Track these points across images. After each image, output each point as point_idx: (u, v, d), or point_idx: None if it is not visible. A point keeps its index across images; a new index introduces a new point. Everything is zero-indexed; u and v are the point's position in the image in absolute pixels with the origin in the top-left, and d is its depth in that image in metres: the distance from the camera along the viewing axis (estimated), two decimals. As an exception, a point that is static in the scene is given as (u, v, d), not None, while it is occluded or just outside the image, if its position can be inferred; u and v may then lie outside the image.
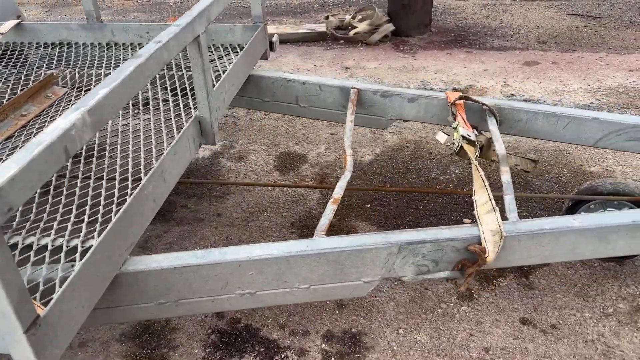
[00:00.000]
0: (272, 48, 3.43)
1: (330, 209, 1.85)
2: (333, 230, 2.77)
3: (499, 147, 2.15)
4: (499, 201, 1.83)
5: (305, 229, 2.81)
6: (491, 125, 2.31)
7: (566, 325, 2.19)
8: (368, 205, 2.97)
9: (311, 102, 2.83)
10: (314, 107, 2.84)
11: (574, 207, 2.42)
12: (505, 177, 1.96)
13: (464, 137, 2.18)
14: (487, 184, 1.86)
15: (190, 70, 2.69)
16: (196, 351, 2.15)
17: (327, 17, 5.84)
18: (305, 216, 2.90)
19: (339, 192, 1.95)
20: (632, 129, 2.26)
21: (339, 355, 2.11)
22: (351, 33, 5.42)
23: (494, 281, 2.42)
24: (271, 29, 5.61)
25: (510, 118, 2.44)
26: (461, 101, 2.44)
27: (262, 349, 2.15)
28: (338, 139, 3.67)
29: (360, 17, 5.55)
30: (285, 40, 5.50)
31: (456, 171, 3.21)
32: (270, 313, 2.31)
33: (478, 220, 1.72)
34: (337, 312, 2.30)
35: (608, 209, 2.33)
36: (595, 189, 2.35)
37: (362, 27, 5.38)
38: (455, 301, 2.33)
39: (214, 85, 2.43)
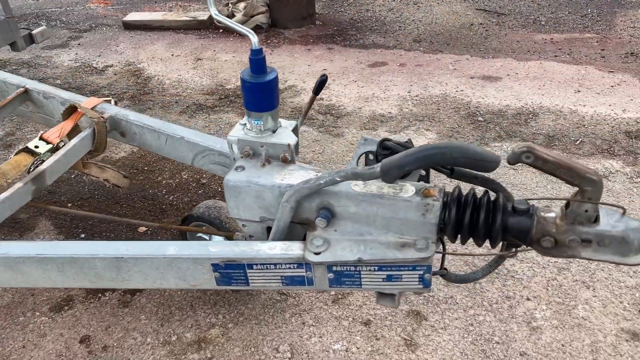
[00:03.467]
0: (33, 40, 3.48)
1: None
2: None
3: (49, 160, 2.09)
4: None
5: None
6: (77, 138, 2.25)
7: (118, 348, 2.14)
8: (70, 204, 2.98)
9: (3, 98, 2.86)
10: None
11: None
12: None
13: (27, 148, 2.15)
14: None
15: None
16: None
17: (227, 5, 5.77)
18: None
19: None
20: (211, 152, 2.13)
21: None
22: (230, 23, 5.32)
23: (99, 294, 2.39)
24: (158, 15, 5.64)
25: (129, 130, 2.37)
26: (84, 110, 2.39)
27: None
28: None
29: (242, 5, 5.44)
30: (168, 27, 5.50)
31: (185, 175, 3.14)
32: None
33: None
34: None
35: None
36: (193, 212, 2.24)
37: (238, 17, 5.27)
38: (45, 312, 2.32)
39: None
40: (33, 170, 2.10)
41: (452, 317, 2.16)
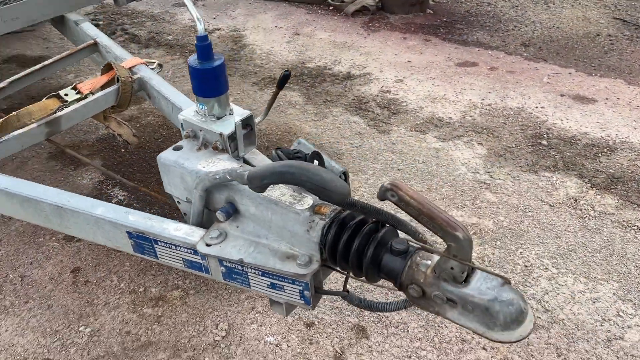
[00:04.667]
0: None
1: None
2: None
3: (69, 108, 2.34)
4: None
5: None
6: (101, 92, 2.48)
7: (96, 285, 2.39)
8: (123, 150, 3.32)
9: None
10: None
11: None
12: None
13: (57, 94, 2.44)
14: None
15: None
16: None
17: (344, -18, 5.76)
18: None
19: None
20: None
21: None
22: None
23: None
24: (279, -15, 5.81)
25: (152, 94, 2.56)
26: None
27: None
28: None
29: (357, -14, 5.38)
30: (286, -1, 5.67)
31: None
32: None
33: None
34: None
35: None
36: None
37: (348, -4, 5.25)
38: (59, 238, 2.66)
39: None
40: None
41: (394, 343, 2.06)
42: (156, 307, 2.27)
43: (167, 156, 1.74)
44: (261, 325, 2.16)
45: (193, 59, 1.73)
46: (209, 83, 1.73)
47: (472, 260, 1.26)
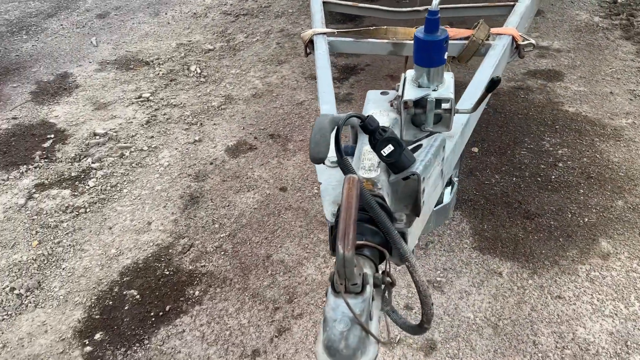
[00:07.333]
0: None
1: None
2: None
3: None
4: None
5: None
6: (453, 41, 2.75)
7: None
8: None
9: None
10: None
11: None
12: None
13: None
14: None
15: None
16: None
17: None
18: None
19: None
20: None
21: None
22: None
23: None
24: None
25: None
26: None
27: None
28: None
29: None
30: None
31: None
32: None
33: None
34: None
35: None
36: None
37: None
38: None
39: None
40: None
41: None
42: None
43: (370, 94, 2.06)
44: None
45: (421, 29, 1.88)
46: (422, 53, 1.81)
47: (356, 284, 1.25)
